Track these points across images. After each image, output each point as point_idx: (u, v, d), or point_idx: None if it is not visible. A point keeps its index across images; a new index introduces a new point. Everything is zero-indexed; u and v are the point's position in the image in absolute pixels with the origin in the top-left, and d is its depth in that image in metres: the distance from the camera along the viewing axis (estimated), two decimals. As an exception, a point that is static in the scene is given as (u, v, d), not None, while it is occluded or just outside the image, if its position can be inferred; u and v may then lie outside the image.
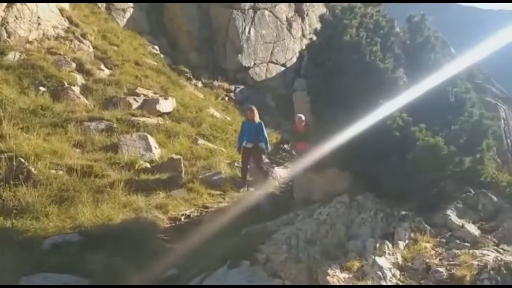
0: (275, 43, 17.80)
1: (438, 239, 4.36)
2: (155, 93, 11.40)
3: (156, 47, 15.59)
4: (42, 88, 9.26)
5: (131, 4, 15.78)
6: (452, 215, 4.70)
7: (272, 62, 17.65)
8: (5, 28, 10.75)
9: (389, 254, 4.06)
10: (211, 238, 4.88)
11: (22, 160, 5.79)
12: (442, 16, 60.55)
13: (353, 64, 5.04)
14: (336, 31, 5.41)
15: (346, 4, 5.59)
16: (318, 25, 6.21)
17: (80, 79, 10.47)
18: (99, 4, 14.91)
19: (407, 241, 4.31)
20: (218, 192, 7.08)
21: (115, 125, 8.29)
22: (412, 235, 4.40)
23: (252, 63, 17.01)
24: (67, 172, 5.98)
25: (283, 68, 17.94)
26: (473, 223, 4.64)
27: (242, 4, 16.91)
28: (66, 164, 6.24)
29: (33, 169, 5.62)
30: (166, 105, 10.68)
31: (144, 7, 16.39)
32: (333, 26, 5.61)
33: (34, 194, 4.99)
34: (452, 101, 5.21)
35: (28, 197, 4.90)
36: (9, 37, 10.73)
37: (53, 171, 5.84)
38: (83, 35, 12.37)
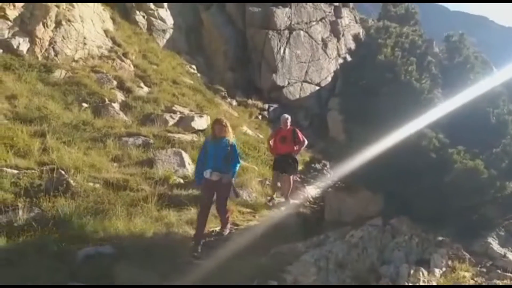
0: (310, 63, 17.87)
1: (478, 268, 4.13)
2: (191, 110, 11.68)
3: (194, 66, 16.04)
4: (84, 104, 9.71)
5: (170, 25, 16.39)
6: (494, 243, 4.45)
7: (307, 82, 17.69)
8: (53, 47, 11.44)
9: (424, 281, 3.89)
10: (240, 256, 4.85)
11: (63, 172, 6.05)
12: (482, 36, 58.75)
13: (387, 84, 4.97)
14: (370, 50, 5.36)
15: (380, 24, 5.54)
16: (353, 45, 6.19)
17: (120, 96, 10.92)
18: (141, 25, 15.59)
19: (444, 269, 4.11)
20: (249, 210, 7.05)
21: (151, 141, 8.53)
22: (449, 262, 4.19)
23: (287, 82, 17.12)
24: (104, 185, 6.18)
25: (317, 88, 17.92)
26: (517, 252, 4.36)
27: (278, 25, 17.17)
28: (103, 178, 6.46)
29: (72, 181, 5.86)
30: (201, 122, 10.89)
31: (183, 28, 16.98)
32: (368, 46, 5.57)
33: (72, 205, 5.18)
34: (493, 123, 4.99)
35: (66, 209, 5.09)
36: (56, 55, 11.40)
37: (91, 184, 6.06)
38: (125, 55, 12.95)
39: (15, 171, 6.08)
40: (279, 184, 7.80)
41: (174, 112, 11.04)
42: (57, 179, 5.77)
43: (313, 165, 9.76)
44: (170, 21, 16.50)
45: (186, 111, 11.43)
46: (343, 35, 19.29)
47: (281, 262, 4.51)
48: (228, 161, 5.39)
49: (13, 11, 11.02)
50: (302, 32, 17.84)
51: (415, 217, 4.59)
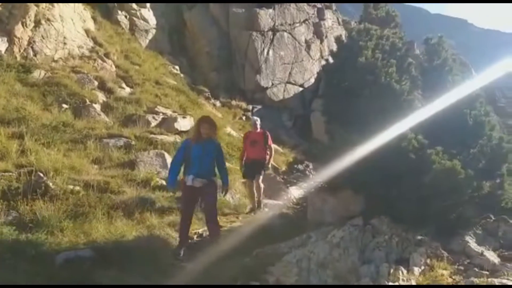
0: (294, 64, 17.95)
1: (455, 266, 4.21)
2: (174, 111, 11.58)
3: (177, 67, 15.93)
4: (64, 105, 9.52)
5: (153, 25, 16.24)
6: (471, 242, 4.55)
7: (290, 83, 17.76)
8: (32, 47, 11.19)
9: (403, 280, 3.94)
10: (222, 257, 4.83)
11: (41, 174, 5.92)
12: (461, 38, 60.06)
13: (368, 85, 5.04)
14: (351, 52, 5.43)
15: (362, 26, 5.62)
16: (335, 47, 6.25)
17: (101, 96, 10.74)
18: (123, 25, 15.40)
19: (422, 267, 4.18)
20: (231, 212, 7.05)
21: (133, 142, 8.42)
22: (428, 261, 4.26)
23: (270, 84, 17.17)
24: (84, 188, 6.07)
25: (301, 89, 18.01)
26: (493, 250, 4.48)
27: (262, 26, 17.20)
28: (83, 180, 6.35)
29: (51, 184, 5.74)
30: (184, 123, 10.82)
31: (166, 28, 16.84)
32: (349, 48, 5.64)
33: (50, 208, 5.07)
34: (470, 124, 5.11)
35: (44, 211, 4.98)
36: (35, 55, 11.16)
37: (70, 186, 5.94)
38: (107, 55, 12.77)
39: (-8, 174, 5.93)
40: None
41: (157, 113, 10.93)
42: (36, 181, 5.64)
43: (296, 166, 9.81)
44: (153, 21, 16.35)
45: (169, 112, 11.33)
46: (326, 36, 19.45)
47: (264, 262, 4.52)
48: (212, 165, 5.01)
49: (-10, 9, 10.76)
50: (285, 34, 17.91)
51: (395, 217, 4.67)
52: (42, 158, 6.58)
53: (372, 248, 4.38)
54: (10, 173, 6.05)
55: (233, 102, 16.06)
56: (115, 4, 15.57)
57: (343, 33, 16.89)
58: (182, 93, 13.76)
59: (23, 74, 10.13)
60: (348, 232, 4.52)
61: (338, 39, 6.21)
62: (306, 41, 18.71)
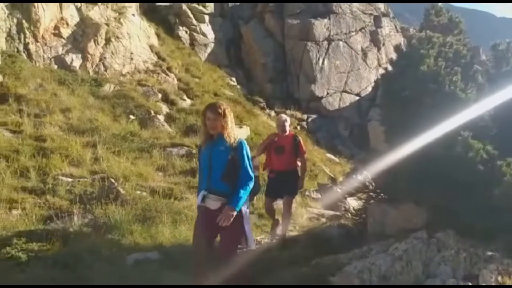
0: (349, 73, 17.75)
1: (530, 285, 3.94)
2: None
3: (234, 78, 16.41)
4: (132, 116, 10.22)
5: (211, 39, 16.89)
6: (548, 260, 4.24)
7: (346, 92, 17.56)
8: (103, 63, 12.14)
9: (472, 297, 3.77)
10: (280, 266, 4.90)
11: (113, 180, 6.40)
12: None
13: (430, 95, 4.90)
14: (412, 60, 5.31)
15: (423, 34, 5.49)
16: (394, 55, 6.15)
17: (164, 108, 11.40)
18: (184, 40, 16.19)
19: (493, 285, 3.96)
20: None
21: (194, 151, 8.81)
22: (499, 278, 4.03)
23: (325, 93, 17.09)
24: (150, 194, 6.47)
25: (357, 98, 17.74)
26: None
27: (317, 36, 17.24)
28: (149, 186, 6.77)
29: (121, 190, 6.18)
30: (240, 133, 11.13)
31: (223, 42, 17.44)
32: (409, 56, 5.52)
33: (121, 212, 5.46)
34: (546, 134, 4.78)
35: (116, 215, 5.38)
36: (106, 70, 12.09)
37: (138, 192, 6.36)
38: (169, 69, 13.51)
39: (70, 179, 6.51)
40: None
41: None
42: (108, 187, 6.11)
43: (354, 176, 9.64)
44: (211, 35, 17.01)
45: (226, 122, 11.70)
46: (383, 44, 19.03)
47: (323, 273, 4.51)
48: (230, 174, 3.36)
49: (66, 29, 11.82)
50: (341, 43, 17.80)
51: (462, 231, 4.46)
52: (113, 165, 7.11)
53: (437, 262, 4.23)
54: (85, 179, 6.61)
55: (288, 112, 16.16)
56: (177, 20, 16.44)
57: (401, 40, 16.45)
58: (238, 103, 14.16)
59: (95, 88, 11.03)
60: (411, 245, 4.40)
61: (397, 48, 6.10)
62: (362, 50, 18.45)
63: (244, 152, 3.45)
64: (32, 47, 10.96)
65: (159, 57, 13.78)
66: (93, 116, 9.31)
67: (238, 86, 16.11)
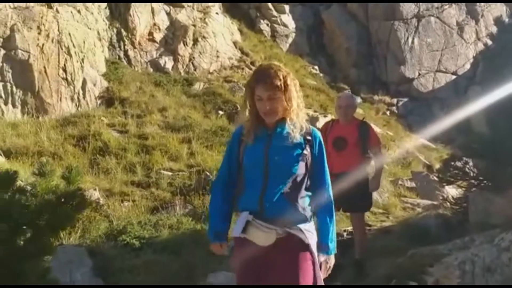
0: (444, 50, 16.40)
1: None
2: (314, 111, 11.89)
3: (316, 67, 16.22)
4: (220, 112, 10.77)
5: (292, 29, 16.86)
6: None
7: (441, 71, 16.28)
8: (192, 63, 12.91)
9: None
10: (374, 256, 4.83)
11: (208, 173, 6.85)
12: None
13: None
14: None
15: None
16: (494, 28, 5.59)
17: (250, 102, 11.74)
18: (265, 33, 16.42)
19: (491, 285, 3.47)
20: (381, 211, 6.90)
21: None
22: None
23: (417, 74, 16.03)
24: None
25: (453, 77, 16.35)
26: None
27: (404, 14, 16.22)
28: (240, 179, 7.10)
29: (215, 182, 6.60)
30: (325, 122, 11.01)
31: (304, 30, 17.31)
32: (514, 28, 4.98)
33: (217, 203, 5.84)
34: None
35: (213, 206, 5.76)
36: (195, 70, 12.84)
37: (231, 184, 6.72)
38: (252, 63, 13.84)
39: (170, 173, 7.13)
40: None
41: (302, 113, 11.38)
42: (204, 179, 6.56)
43: (452, 162, 8.98)
44: (292, 25, 16.98)
45: (310, 112, 11.66)
46: (482, 16, 17.18)
47: (421, 263, 4.35)
48: (301, 192, 2.12)
49: (158, 34, 12.80)
50: (432, 18, 16.50)
51: None
52: (207, 159, 7.61)
53: (553, 255, 3.81)
54: (183, 172, 7.18)
55: (375, 97, 15.55)
56: (257, 13, 16.71)
57: (503, 10, 14.73)
58: (322, 92, 13.99)
59: (186, 87, 11.81)
60: (521, 236, 4.01)
61: (498, 20, 5.53)
62: (457, 24, 16.89)
63: (324, 149, 2.19)
64: (131, 53, 12.09)
65: (242, 52, 14.19)
66: (186, 113, 10.00)
67: (321, 74, 15.89)
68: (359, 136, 4.13)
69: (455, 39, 16.63)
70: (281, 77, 2.10)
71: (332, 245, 2.18)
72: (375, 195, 7.04)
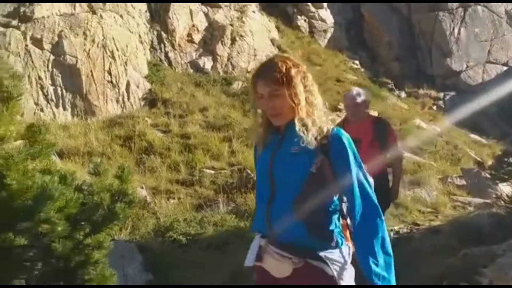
0: (493, 41, 15.53)
1: None
2: (357, 107, 11.62)
3: (356, 61, 15.86)
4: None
5: (331, 24, 16.59)
6: None
7: (491, 62, 15.43)
8: (230, 62, 13.01)
9: None
10: (423, 256, 4.65)
11: (249, 171, 6.88)
12: None
13: None
14: None
15: None
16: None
17: (289, 99, 11.66)
18: (303, 29, 16.25)
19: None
20: (429, 210, 6.64)
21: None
22: None
23: (464, 66, 15.29)
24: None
25: (505, 68, 15.45)
26: None
27: (449, 4, 15.51)
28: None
29: (257, 180, 6.62)
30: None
31: (343, 25, 16.97)
32: None
33: (259, 201, 5.86)
34: None
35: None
36: (233, 69, 12.93)
37: (272, 182, 6.71)
38: (291, 60, 13.75)
39: (212, 172, 7.23)
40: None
41: (340, 110, 11.17)
42: (245, 177, 6.60)
43: (506, 159, 8.50)
44: (330, 20, 16.70)
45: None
46: (535, 1, 16.12)
47: (473, 264, 4.15)
48: (319, 205, 1.69)
49: (197, 35, 12.99)
50: (479, 7, 15.67)
51: None
52: (247, 157, 7.63)
53: None
54: (225, 171, 7.26)
55: (420, 91, 14.97)
56: (295, 10, 16.57)
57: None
58: (363, 87, 13.66)
59: (225, 86, 11.91)
60: None
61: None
62: (506, 12, 15.97)
63: (350, 154, 1.72)
64: (171, 55, 12.36)
65: (280, 49, 14.10)
66: (226, 113, 10.09)
67: (362, 69, 15.51)
68: (375, 136, 3.69)
69: (505, 29, 15.71)
70: (284, 70, 1.74)
71: (368, 271, 1.63)
72: (422, 193, 6.81)
